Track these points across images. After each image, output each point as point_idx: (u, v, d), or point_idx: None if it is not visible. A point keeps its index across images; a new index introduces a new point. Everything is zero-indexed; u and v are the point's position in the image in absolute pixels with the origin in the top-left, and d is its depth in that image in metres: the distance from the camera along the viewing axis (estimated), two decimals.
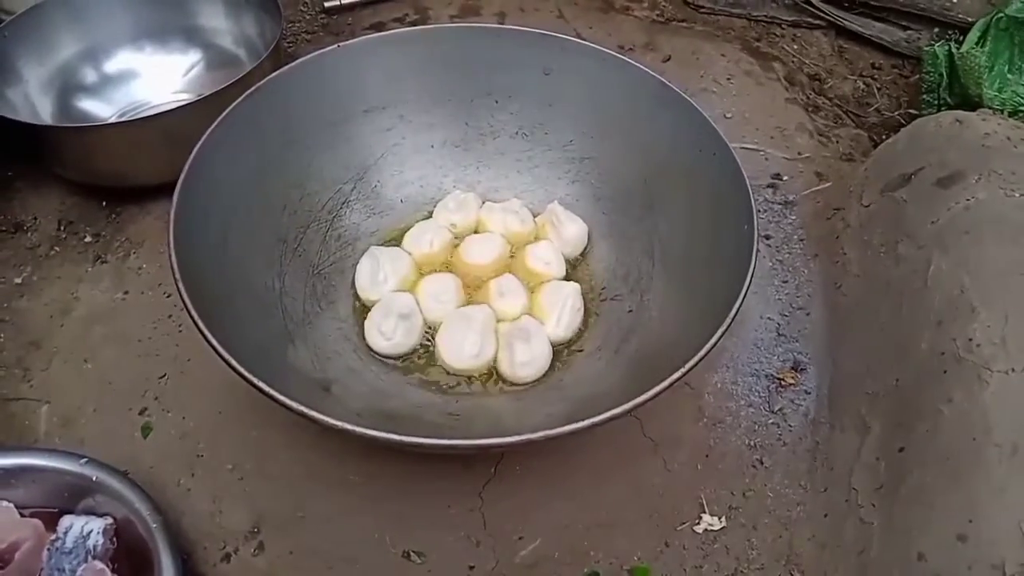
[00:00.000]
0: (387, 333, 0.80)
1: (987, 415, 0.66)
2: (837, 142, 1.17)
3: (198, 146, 0.74)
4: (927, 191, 0.88)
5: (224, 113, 0.77)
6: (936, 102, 1.12)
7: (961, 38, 1.14)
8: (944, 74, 1.10)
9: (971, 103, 1.04)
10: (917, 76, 1.22)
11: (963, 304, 0.74)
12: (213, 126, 0.76)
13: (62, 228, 1.02)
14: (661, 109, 0.84)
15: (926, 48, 1.14)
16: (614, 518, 0.77)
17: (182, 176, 0.71)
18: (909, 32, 1.32)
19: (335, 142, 0.89)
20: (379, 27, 1.34)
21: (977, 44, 1.07)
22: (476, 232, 0.92)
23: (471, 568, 0.73)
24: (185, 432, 0.81)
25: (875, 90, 1.27)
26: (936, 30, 1.27)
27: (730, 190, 0.74)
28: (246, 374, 0.60)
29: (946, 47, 1.10)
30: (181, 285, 0.63)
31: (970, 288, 0.75)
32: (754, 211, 0.71)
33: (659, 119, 0.84)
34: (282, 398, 0.58)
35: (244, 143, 0.79)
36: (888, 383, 0.78)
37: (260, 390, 0.59)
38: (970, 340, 0.71)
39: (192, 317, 0.62)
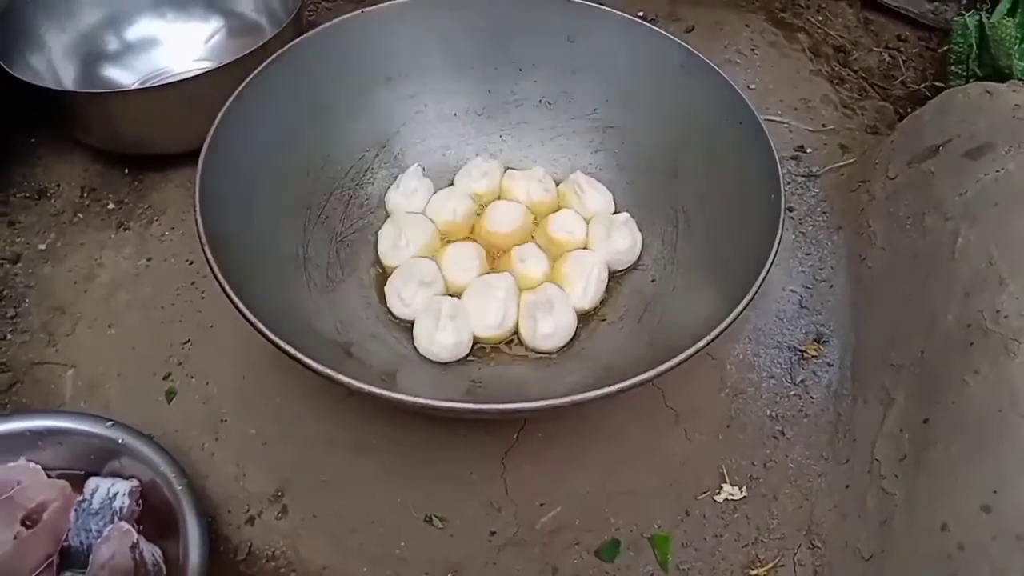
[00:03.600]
0: (407, 298, 0.80)
1: (1014, 386, 0.65)
2: (862, 114, 1.15)
3: (221, 113, 0.73)
4: (955, 163, 0.87)
5: (246, 80, 0.76)
6: (964, 73, 1.10)
7: (991, 8, 1.12)
8: (974, 45, 1.08)
9: (1001, 74, 1.02)
10: (944, 48, 1.20)
11: (991, 276, 0.73)
12: (236, 93, 0.75)
13: (85, 195, 1.02)
14: (687, 78, 0.82)
15: (955, 18, 1.12)
16: (635, 486, 0.76)
17: (207, 142, 0.70)
18: (935, 3, 1.29)
19: (358, 109, 0.88)
20: None
21: (1008, 15, 1.05)
22: (499, 200, 0.91)
23: (492, 534, 0.73)
24: (209, 397, 0.82)
25: (901, 62, 1.25)
26: (964, 1, 1.24)
27: (756, 160, 0.73)
28: (271, 335, 0.59)
29: (976, 17, 1.08)
30: (207, 249, 0.63)
31: (999, 260, 0.74)
32: (781, 181, 0.70)
33: (685, 88, 0.83)
34: (307, 360, 0.58)
35: (267, 110, 0.78)
36: (913, 355, 0.77)
37: (285, 352, 0.59)
38: (997, 312, 0.70)
39: (218, 279, 0.62)
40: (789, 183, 1.04)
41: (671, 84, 0.84)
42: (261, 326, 0.60)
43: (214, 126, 0.72)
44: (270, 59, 0.79)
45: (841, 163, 1.07)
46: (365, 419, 0.79)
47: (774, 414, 0.82)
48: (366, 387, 0.57)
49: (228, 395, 0.81)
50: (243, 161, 0.74)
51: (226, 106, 0.74)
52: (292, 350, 0.58)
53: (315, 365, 0.58)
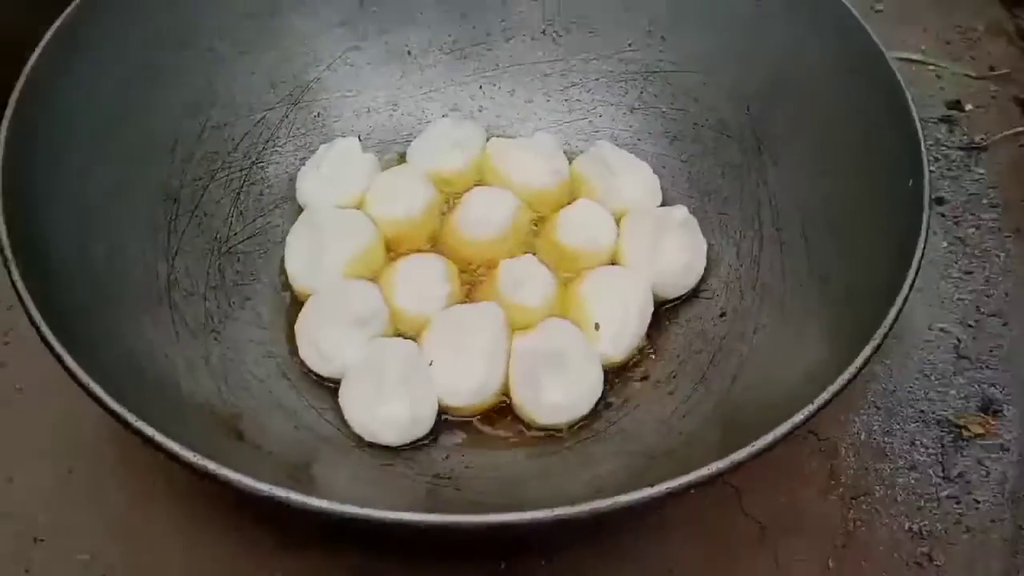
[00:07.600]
0: (330, 346, 0.71)
1: None
2: None
3: (37, 54, 0.67)
4: None
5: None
6: None
7: None
8: None
9: None
10: None
11: None
12: (58, 23, 0.69)
13: None
14: None
15: None
16: None
17: (13, 102, 0.63)
18: None
19: (255, 44, 0.81)
20: None
21: None
22: (478, 186, 0.82)
23: None
24: (11, 504, 0.72)
25: None
26: None
27: (886, 124, 0.67)
28: (111, 403, 0.52)
29: None
30: (14, 267, 0.56)
31: None
32: (925, 158, 0.63)
33: (771, 11, 0.77)
34: (169, 443, 0.51)
35: (110, 47, 0.71)
36: None
37: (133, 429, 0.52)
38: None
39: (29, 313, 0.55)
40: (939, 160, 0.95)
41: (750, 4, 0.78)
42: (95, 387, 0.52)
43: (25, 74, 0.66)
44: None
45: (1020, 128, 0.97)
46: (260, 536, 0.69)
47: (916, 527, 0.72)
48: (265, 488, 0.50)
49: (42, 498, 0.71)
50: (73, 128, 0.68)
51: (44, 43, 0.68)
52: (146, 427, 0.51)
53: (182, 452, 0.51)
